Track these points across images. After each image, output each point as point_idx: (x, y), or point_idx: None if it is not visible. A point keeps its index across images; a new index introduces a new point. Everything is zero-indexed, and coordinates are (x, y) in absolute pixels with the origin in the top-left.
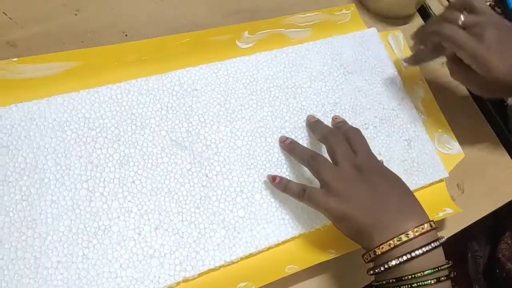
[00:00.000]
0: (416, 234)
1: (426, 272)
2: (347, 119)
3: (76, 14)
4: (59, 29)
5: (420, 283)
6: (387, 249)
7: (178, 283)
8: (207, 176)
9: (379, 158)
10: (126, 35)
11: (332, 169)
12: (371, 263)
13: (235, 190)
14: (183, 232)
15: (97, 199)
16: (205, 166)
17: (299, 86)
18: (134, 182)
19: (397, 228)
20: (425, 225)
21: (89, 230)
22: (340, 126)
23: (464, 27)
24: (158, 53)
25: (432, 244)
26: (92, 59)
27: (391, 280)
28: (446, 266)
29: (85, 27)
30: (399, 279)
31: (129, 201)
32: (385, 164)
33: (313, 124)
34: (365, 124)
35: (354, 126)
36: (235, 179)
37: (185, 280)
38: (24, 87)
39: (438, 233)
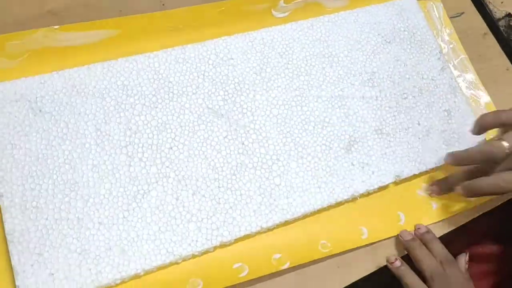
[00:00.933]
0: None
1: None
2: (385, 89)
3: None
4: None
5: None
6: None
7: (215, 248)
8: (243, 143)
9: (418, 128)
10: (163, 4)
11: None
12: None
13: (271, 158)
14: (219, 198)
15: (136, 164)
16: (241, 134)
17: (336, 55)
18: (171, 148)
19: None
20: None
21: (128, 194)
22: (437, 253)
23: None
24: (194, 21)
25: None
26: (130, 28)
27: None
28: None
29: None
30: None
31: (167, 166)
32: (424, 135)
33: (413, 249)
34: (403, 94)
35: (393, 96)
36: (271, 147)
37: (222, 245)
38: (65, 54)
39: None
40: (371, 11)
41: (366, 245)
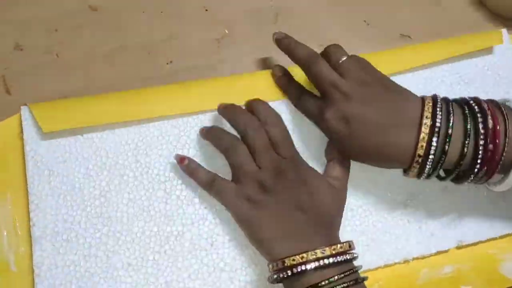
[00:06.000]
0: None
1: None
2: None
3: None
4: None
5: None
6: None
7: None
8: None
9: None
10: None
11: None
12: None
13: None
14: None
15: (173, 202)
16: None
17: None
18: None
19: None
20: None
21: (161, 234)
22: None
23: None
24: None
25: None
26: None
27: None
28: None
29: None
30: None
31: (205, 207)
32: (499, 195)
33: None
34: None
35: None
36: None
37: None
38: None
39: None
40: None
41: None
